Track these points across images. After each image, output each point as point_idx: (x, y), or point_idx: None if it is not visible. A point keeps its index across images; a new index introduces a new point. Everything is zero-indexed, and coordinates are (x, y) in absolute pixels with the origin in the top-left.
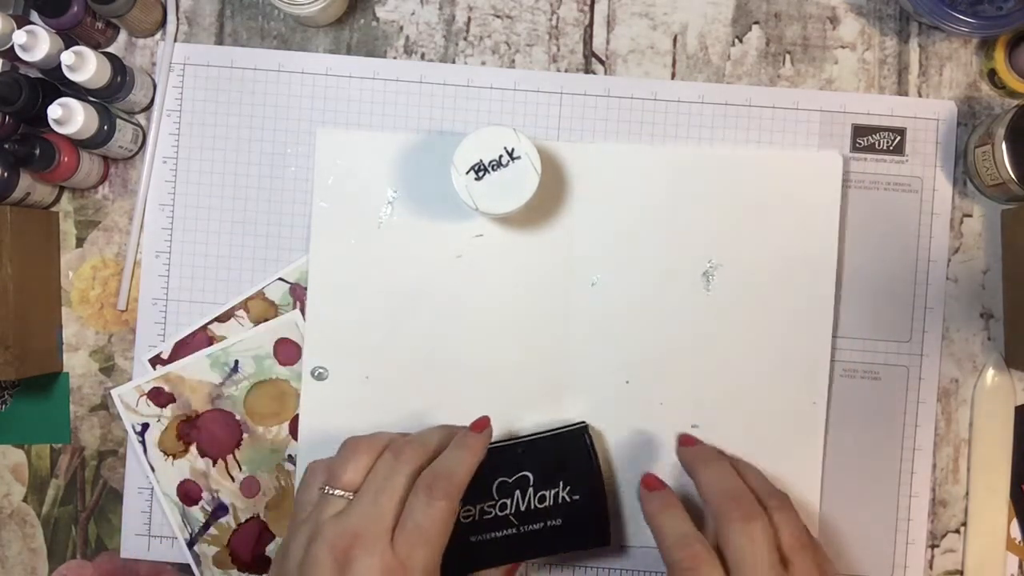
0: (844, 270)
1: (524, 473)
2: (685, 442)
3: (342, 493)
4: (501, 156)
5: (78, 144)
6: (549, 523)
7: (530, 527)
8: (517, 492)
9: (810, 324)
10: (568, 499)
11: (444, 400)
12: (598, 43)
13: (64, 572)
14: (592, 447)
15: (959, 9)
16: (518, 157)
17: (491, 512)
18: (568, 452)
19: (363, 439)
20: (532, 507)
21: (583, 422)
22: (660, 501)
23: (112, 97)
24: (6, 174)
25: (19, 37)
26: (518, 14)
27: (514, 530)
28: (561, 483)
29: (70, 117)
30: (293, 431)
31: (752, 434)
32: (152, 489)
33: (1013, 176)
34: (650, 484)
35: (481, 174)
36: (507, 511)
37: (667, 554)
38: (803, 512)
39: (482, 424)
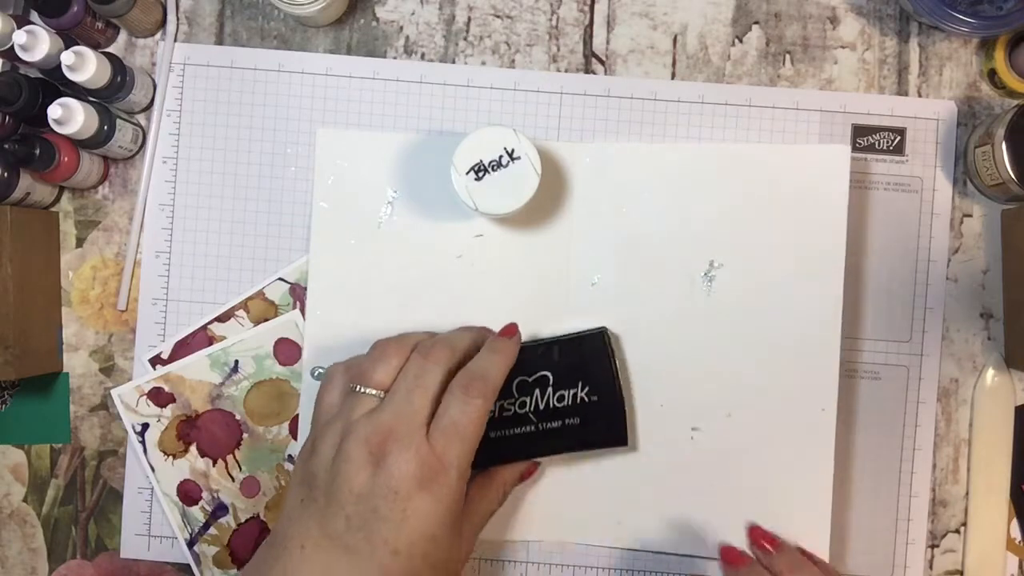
0: (845, 270)
1: (544, 373)
2: (732, 559)
3: (373, 392)
4: (501, 156)
5: (78, 144)
6: (567, 422)
7: (548, 425)
8: (536, 391)
9: (817, 326)
10: (586, 399)
11: None
12: (598, 43)
13: (64, 572)
14: (611, 349)
15: (959, 9)
16: (518, 157)
17: (511, 410)
18: (587, 354)
19: (392, 341)
20: (551, 406)
21: (603, 326)
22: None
23: (112, 97)
24: (6, 174)
25: (19, 37)
26: (518, 14)
27: (532, 427)
28: (580, 383)
29: (70, 117)
30: (293, 431)
31: (756, 441)
32: (152, 489)
33: (1013, 176)
34: (732, 559)
35: (481, 174)
36: (526, 409)
37: None
38: (813, 524)
39: (511, 330)
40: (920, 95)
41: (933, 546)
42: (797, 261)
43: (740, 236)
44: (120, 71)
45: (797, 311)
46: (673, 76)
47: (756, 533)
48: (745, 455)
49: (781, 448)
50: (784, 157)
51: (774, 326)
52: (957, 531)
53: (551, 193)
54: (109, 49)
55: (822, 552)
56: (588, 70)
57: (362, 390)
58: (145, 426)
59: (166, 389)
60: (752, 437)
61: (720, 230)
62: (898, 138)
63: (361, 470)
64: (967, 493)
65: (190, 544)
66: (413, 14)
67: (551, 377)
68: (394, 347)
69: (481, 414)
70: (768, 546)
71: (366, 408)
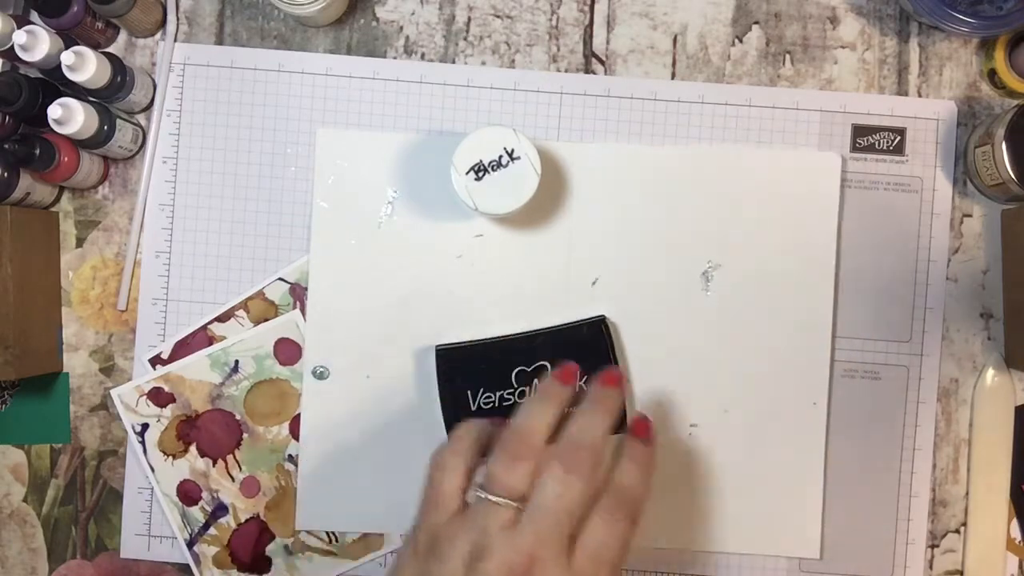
0: (844, 270)
1: (542, 362)
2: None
3: (512, 504)
4: (501, 156)
5: (78, 144)
6: (566, 410)
7: None
8: (535, 380)
9: (810, 324)
10: (585, 388)
11: None
12: (598, 43)
13: (64, 572)
14: (610, 338)
15: (959, 9)
16: (518, 157)
17: (510, 399)
18: (586, 343)
19: (521, 436)
20: None
21: (602, 315)
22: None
23: (112, 97)
24: (6, 174)
25: (19, 37)
26: (518, 14)
27: None
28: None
29: (70, 117)
30: (293, 431)
31: (752, 435)
32: (152, 489)
33: (1013, 176)
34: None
35: (481, 174)
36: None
37: None
38: (806, 514)
39: (646, 428)
40: (920, 95)
41: (933, 546)
42: (791, 262)
43: (737, 237)
44: (120, 71)
45: (791, 310)
46: (673, 76)
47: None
48: (741, 450)
49: (775, 442)
50: (779, 162)
51: (769, 324)
52: (957, 531)
53: (551, 193)
54: (109, 49)
55: (814, 544)
56: (588, 70)
57: (496, 500)
58: (145, 426)
59: (166, 389)
60: (748, 432)
61: (717, 231)
62: (898, 138)
63: None
64: (967, 493)
65: (190, 544)
66: (413, 14)
67: (549, 367)
68: (526, 448)
69: (629, 537)
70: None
71: (503, 521)
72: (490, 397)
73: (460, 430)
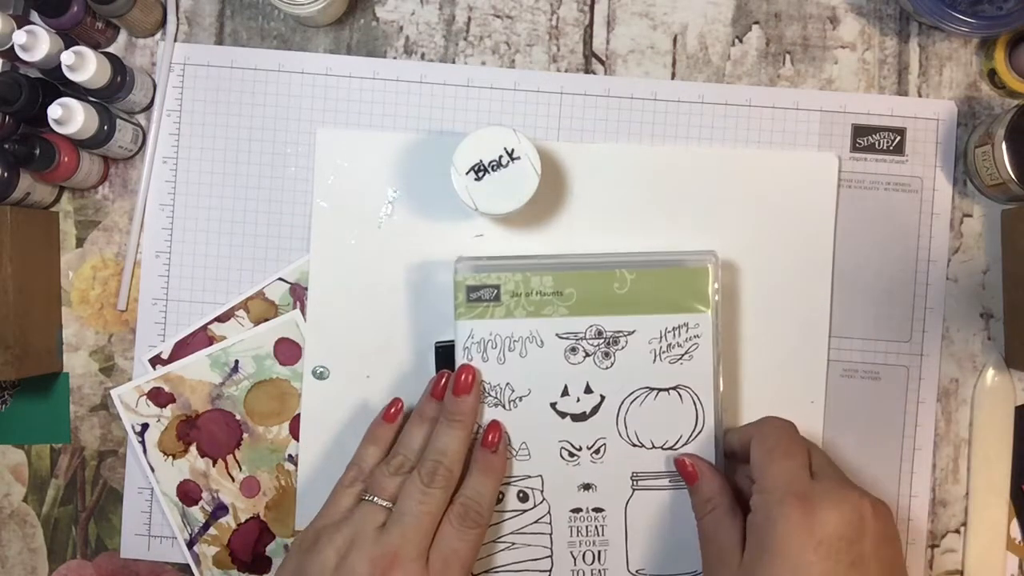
0: (844, 270)
1: None
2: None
3: (385, 503)
4: (501, 156)
5: (78, 144)
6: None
7: None
8: None
9: (807, 323)
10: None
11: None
12: (598, 43)
13: (64, 572)
14: None
15: (959, 9)
16: (518, 157)
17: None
18: None
19: (406, 450)
20: None
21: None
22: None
23: (112, 97)
24: (6, 174)
25: (19, 37)
26: (518, 14)
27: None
28: None
29: (70, 117)
30: (293, 431)
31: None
32: (152, 489)
33: (1013, 176)
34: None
35: (481, 174)
36: None
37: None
38: None
39: (494, 441)
40: (920, 95)
41: (933, 546)
42: (789, 261)
43: (735, 237)
44: (120, 71)
45: (789, 309)
46: (673, 76)
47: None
48: None
49: None
50: (777, 163)
51: (768, 323)
52: (957, 531)
53: (551, 193)
54: (109, 49)
55: None
56: (588, 70)
57: (374, 499)
58: (145, 426)
59: (166, 389)
60: None
61: (717, 231)
62: (898, 138)
63: None
64: (967, 493)
65: (190, 544)
66: (413, 14)
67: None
68: (410, 459)
69: (477, 543)
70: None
71: (376, 520)
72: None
73: (365, 447)
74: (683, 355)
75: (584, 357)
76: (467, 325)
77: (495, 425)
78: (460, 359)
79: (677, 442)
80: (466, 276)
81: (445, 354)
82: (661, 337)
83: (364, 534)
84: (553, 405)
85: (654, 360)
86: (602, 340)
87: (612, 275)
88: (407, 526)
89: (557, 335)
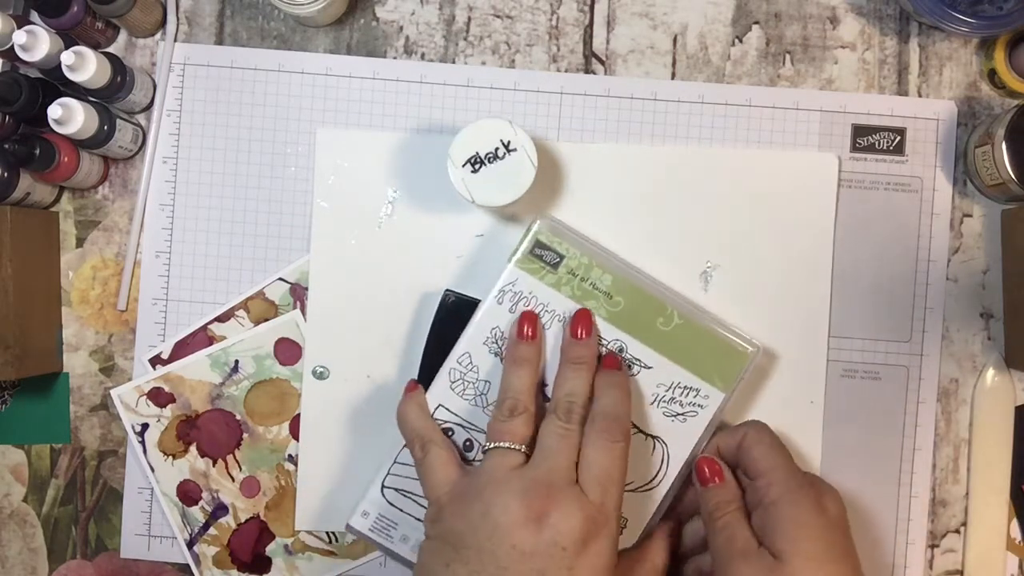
0: (843, 270)
1: None
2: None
3: (519, 447)
4: (497, 148)
5: (78, 144)
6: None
7: None
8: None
9: (807, 323)
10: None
11: None
12: (598, 43)
13: (64, 572)
14: None
15: (959, 9)
16: (514, 149)
17: None
18: None
19: (512, 398)
20: None
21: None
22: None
23: (112, 97)
24: (6, 174)
25: (19, 37)
26: (518, 14)
27: None
28: None
29: (70, 117)
30: (293, 431)
31: None
32: (152, 489)
33: (1013, 176)
34: (701, 476)
35: (477, 167)
36: None
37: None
38: None
39: (614, 362)
40: (920, 95)
41: (933, 546)
42: (788, 262)
43: (735, 237)
44: (120, 71)
45: (788, 309)
46: (673, 76)
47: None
48: None
49: None
50: (777, 163)
51: (767, 324)
52: (957, 531)
53: (550, 193)
54: (109, 49)
55: None
56: (588, 70)
57: (506, 445)
58: (145, 426)
59: (166, 389)
60: None
61: (716, 231)
62: (898, 138)
63: (523, 527)
64: (967, 493)
65: (190, 544)
66: (413, 14)
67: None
68: (522, 401)
69: (625, 455)
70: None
71: (513, 463)
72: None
73: (513, 372)
74: (678, 414)
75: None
76: (516, 272)
77: (612, 354)
78: (491, 300)
79: (628, 484)
80: (542, 231)
81: (450, 305)
82: (670, 387)
83: (503, 476)
84: (543, 385)
85: (651, 403)
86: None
87: (664, 308)
88: (552, 460)
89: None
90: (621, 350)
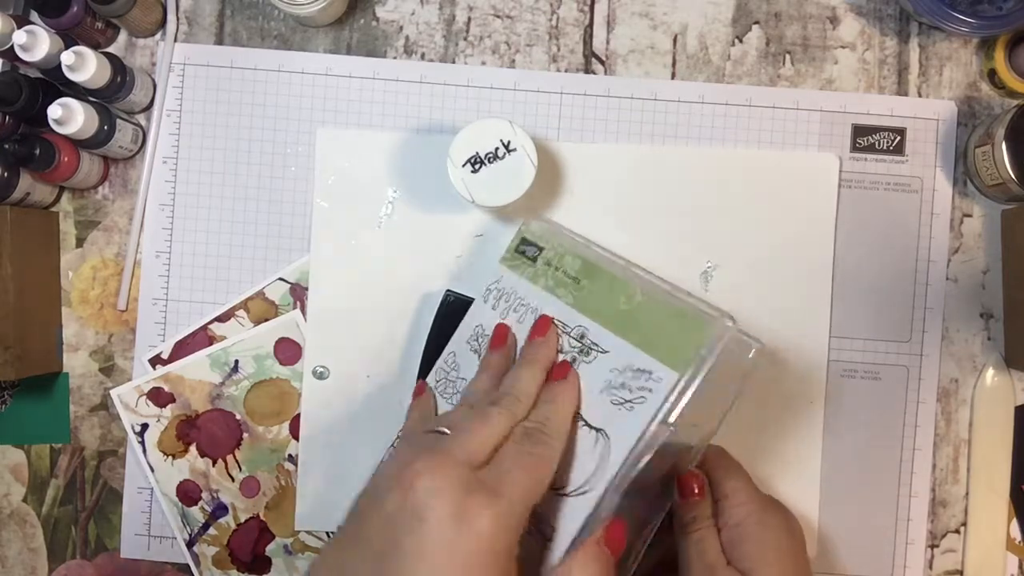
0: (844, 270)
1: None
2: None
3: (445, 430)
4: (497, 148)
5: (78, 144)
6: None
7: None
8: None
9: (807, 324)
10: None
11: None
12: (598, 43)
13: (64, 572)
14: None
15: (959, 9)
16: (514, 149)
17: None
18: None
19: (471, 398)
20: None
21: None
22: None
23: (112, 97)
24: (6, 174)
25: (19, 37)
26: (518, 14)
27: None
28: None
29: (70, 117)
30: (293, 431)
31: (750, 434)
32: (152, 489)
33: (1013, 176)
34: (686, 490)
35: (477, 167)
36: None
37: None
38: (801, 513)
39: (563, 371)
40: (920, 95)
41: (933, 546)
42: (789, 262)
43: (736, 237)
44: (120, 71)
45: (789, 310)
46: (673, 76)
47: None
48: (741, 447)
49: (773, 441)
50: (778, 163)
51: (767, 324)
52: (957, 531)
53: (550, 193)
54: (109, 49)
55: (812, 544)
56: (588, 70)
57: (439, 428)
58: (145, 426)
59: (166, 389)
60: (747, 430)
61: (716, 231)
62: (898, 138)
63: (392, 490)
64: (967, 493)
65: (190, 544)
66: (413, 14)
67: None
68: (481, 400)
69: (538, 469)
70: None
71: (434, 441)
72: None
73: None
74: (626, 401)
75: (559, 354)
76: (500, 270)
77: (563, 363)
78: (479, 299)
79: (564, 486)
80: (528, 228)
81: (451, 305)
82: (623, 371)
83: (419, 438)
84: None
85: (601, 390)
86: (580, 345)
87: (625, 287)
88: (461, 436)
89: (553, 320)
90: (582, 336)
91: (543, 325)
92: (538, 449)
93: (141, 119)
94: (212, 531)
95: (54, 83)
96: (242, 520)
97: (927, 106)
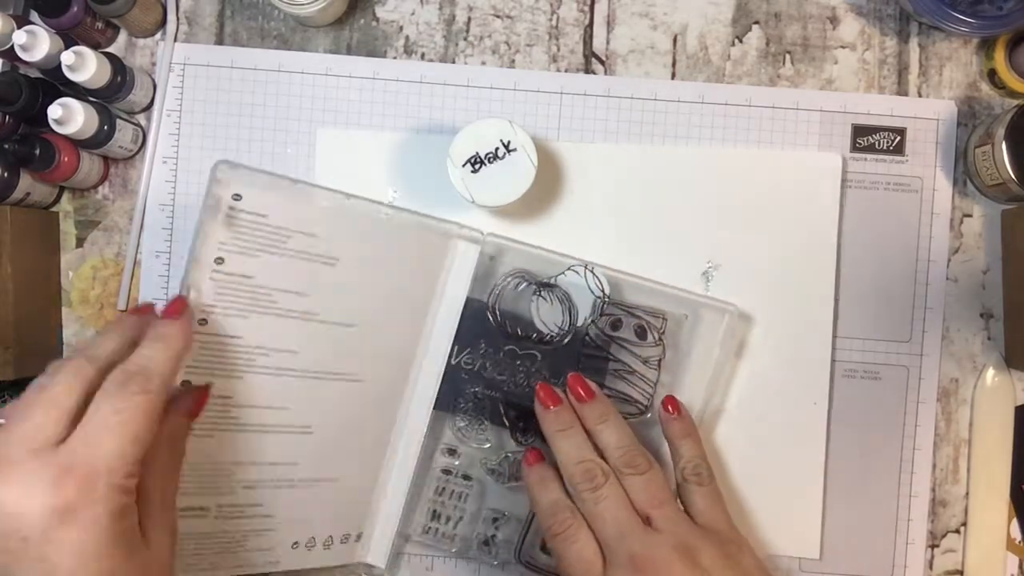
0: (844, 270)
1: (534, 351)
2: (545, 399)
3: None
4: (497, 148)
5: (78, 144)
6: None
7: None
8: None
9: (810, 324)
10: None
11: None
12: (598, 43)
13: None
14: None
15: (959, 9)
16: (514, 149)
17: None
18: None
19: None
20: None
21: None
22: (556, 425)
23: (112, 97)
24: (6, 174)
25: (19, 37)
26: (518, 14)
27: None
28: None
29: (70, 117)
30: None
31: (752, 435)
32: None
33: (1013, 176)
34: (544, 399)
35: (477, 167)
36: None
37: (541, 517)
38: (806, 514)
39: (176, 308)
40: (920, 95)
41: (933, 546)
42: (791, 262)
43: (737, 237)
44: (120, 71)
45: (791, 309)
46: (673, 76)
47: (572, 380)
48: (742, 448)
49: (775, 442)
50: (780, 163)
51: (770, 324)
52: (957, 531)
53: (551, 193)
54: (109, 49)
55: (814, 545)
56: (588, 70)
57: None
58: None
59: None
60: (748, 431)
61: (718, 231)
62: (898, 138)
63: None
64: (967, 493)
65: None
66: (413, 14)
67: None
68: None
69: (143, 410)
70: (583, 393)
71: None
72: (470, 359)
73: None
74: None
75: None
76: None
77: (178, 298)
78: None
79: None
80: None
81: (467, 305)
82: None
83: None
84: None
85: None
86: None
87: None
88: (24, 418)
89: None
90: None
91: (173, 307)
92: (131, 400)
93: (141, 119)
94: None
95: (54, 83)
96: None
97: (927, 106)
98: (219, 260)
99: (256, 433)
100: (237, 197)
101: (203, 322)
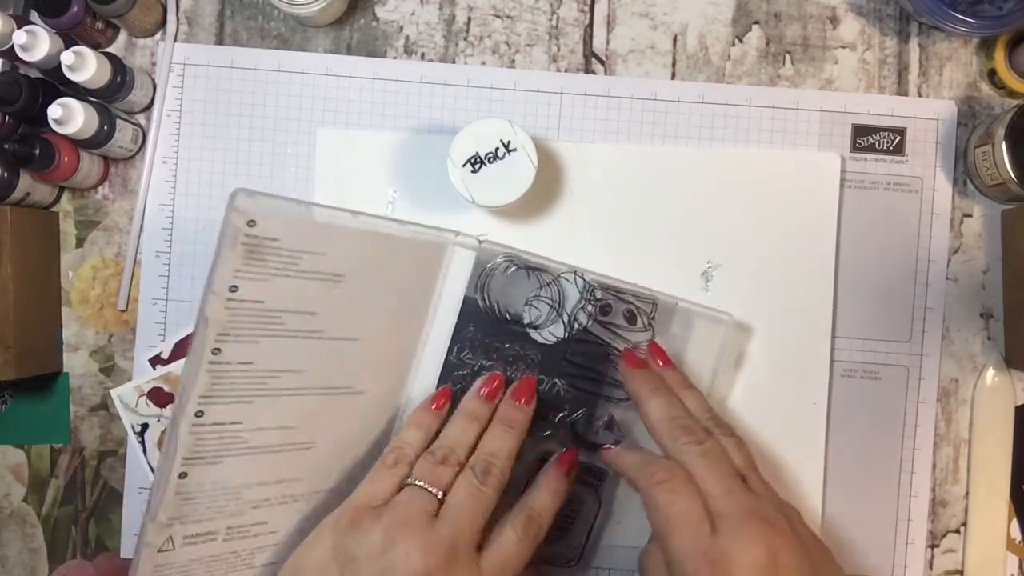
0: (844, 270)
1: (531, 353)
2: (631, 362)
3: (437, 492)
4: (497, 148)
5: (78, 144)
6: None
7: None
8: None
9: (810, 324)
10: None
11: None
12: (598, 43)
13: (64, 572)
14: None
15: (959, 9)
16: (514, 149)
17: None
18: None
19: (454, 441)
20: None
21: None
22: (648, 385)
23: (112, 97)
24: (6, 174)
25: (19, 37)
26: (518, 14)
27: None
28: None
29: (70, 117)
30: None
31: (751, 435)
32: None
33: (1013, 176)
34: (630, 361)
35: (477, 167)
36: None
37: (655, 433)
38: (805, 512)
39: (570, 463)
40: (920, 95)
41: (933, 546)
42: (791, 262)
43: (737, 237)
44: (120, 71)
45: (791, 309)
46: (673, 76)
47: (653, 348)
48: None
49: (775, 442)
50: (779, 163)
51: (769, 324)
52: (957, 531)
53: (551, 193)
54: (109, 49)
55: None
56: (588, 70)
57: (425, 486)
58: (145, 426)
59: (166, 389)
60: (747, 431)
61: (717, 231)
62: (898, 138)
63: None
64: (967, 493)
65: None
66: (413, 14)
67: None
68: (458, 453)
69: (528, 554)
70: (662, 362)
71: (426, 508)
72: (470, 358)
73: (408, 431)
74: None
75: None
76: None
77: (571, 453)
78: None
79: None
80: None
81: (466, 303)
82: None
83: (415, 520)
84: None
85: None
86: None
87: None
88: (462, 520)
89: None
90: None
91: (528, 387)
92: (534, 542)
93: (141, 119)
94: None
95: (54, 83)
96: None
97: (927, 106)
98: (233, 288)
99: (264, 454)
100: (252, 224)
101: (217, 351)
